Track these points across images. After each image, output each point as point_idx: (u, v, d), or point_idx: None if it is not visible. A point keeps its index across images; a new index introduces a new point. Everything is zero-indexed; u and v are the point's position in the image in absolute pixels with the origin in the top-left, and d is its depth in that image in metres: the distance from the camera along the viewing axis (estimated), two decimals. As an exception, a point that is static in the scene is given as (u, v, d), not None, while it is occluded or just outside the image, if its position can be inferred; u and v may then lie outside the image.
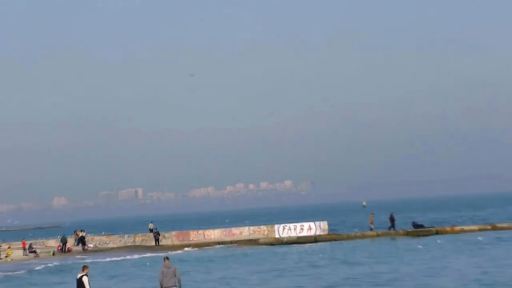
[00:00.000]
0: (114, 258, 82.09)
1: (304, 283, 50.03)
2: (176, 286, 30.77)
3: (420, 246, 72.99)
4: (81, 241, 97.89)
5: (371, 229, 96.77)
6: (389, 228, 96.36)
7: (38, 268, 75.60)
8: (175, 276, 30.83)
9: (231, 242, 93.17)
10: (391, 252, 71.36)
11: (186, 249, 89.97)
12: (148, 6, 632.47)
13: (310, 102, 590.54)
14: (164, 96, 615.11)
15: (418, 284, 45.20)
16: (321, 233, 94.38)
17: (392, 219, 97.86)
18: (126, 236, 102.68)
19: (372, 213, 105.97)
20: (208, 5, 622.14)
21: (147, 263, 68.79)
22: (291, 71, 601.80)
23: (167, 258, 31.91)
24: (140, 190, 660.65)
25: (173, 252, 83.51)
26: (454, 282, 45.42)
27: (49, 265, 77.56)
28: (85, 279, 30.92)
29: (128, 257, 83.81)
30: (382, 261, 61.54)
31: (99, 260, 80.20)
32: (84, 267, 31.76)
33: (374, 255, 68.28)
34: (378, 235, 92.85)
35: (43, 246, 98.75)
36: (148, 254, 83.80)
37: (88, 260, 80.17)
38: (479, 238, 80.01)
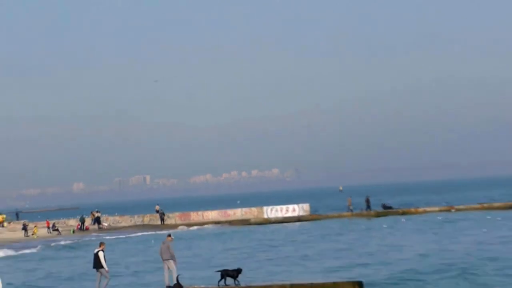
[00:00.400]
0: (125, 235, 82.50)
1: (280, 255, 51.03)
2: (170, 259, 31.05)
3: (385, 226, 73.31)
4: (97, 220, 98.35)
5: (350, 210, 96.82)
6: (366, 209, 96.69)
7: (59, 244, 76.04)
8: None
9: (226, 222, 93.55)
10: (352, 230, 72.00)
11: (180, 227, 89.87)
12: (150, 6, 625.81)
13: (294, 101, 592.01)
14: (168, 94, 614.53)
15: (368, 255, 46.16)
16: (304, 214, 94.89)
17: (368, 201, 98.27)
18: (136, 216, 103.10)
19: (350, 196, 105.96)
20: (209, 5, 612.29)
21: (152, 241, 69.12)
22: (281, 72, 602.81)
23: (169, 235, 32.21)
24: (148, 177, 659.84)
25: (173, 230, 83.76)
26: (400, 255, 46.22)
27: (68, 242, 77.96)
28: (100, 253, 30.77)
29: (138, 234, 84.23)
30: (341, 239, 62.27)
31: (112, 237, 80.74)
32: (101, 243, 31.55)
33: (340, 233, 69.01)
34: (352, 216, 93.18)
35: (65, 225, 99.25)
36: (154, 232, 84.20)
37: (103, 237, 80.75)
38: (439, 218, 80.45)
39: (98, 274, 30.90)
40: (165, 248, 31.09)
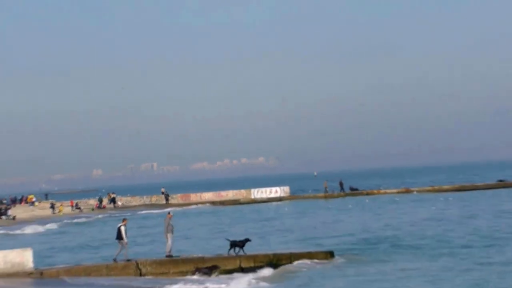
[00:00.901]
0: (135, 213, 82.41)
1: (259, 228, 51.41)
2: (169, 233, 31.17)
3: (350, 206, 73.15)
4: (113, 200, 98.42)
5: (326, 192, 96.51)
6: (340, 191, 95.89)
7: (76, 221, 75.90)
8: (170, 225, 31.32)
9: (220, 202, 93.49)
10: (323, 208, 72.03)
11: (178, 207, 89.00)
12: (157, 8, 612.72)
13: (277, 99, 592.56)
14: (171, 91, 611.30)
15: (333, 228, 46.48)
16: (284, 195, 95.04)
17: (341, 184, 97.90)
18: (145, 197, 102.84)
19: (326, 180, 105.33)
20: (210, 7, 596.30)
21: (159, 218, 69.08)
22: (269, 74, 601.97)
23: (169, 213, 32.30)
24: (155, 164, 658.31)
25: (173, 208, 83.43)
26: (362, 228, 46.60)
27: (83, 219, 77.77)
28: (122, 228, 30.90)
29: (144, 212, 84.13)
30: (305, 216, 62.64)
31: (125, 214, 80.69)
32: (124, 219, 31.69)
33: (313, 210, 69.21)
34: (325, 197, 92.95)
35: (86, 204, 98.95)
36: (160, 210, 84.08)
37: (115, 214, 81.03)
38: (396, 199, 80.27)
39: (120, 244, 31.07)
40: (166, 223, 31.21)
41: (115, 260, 30.86)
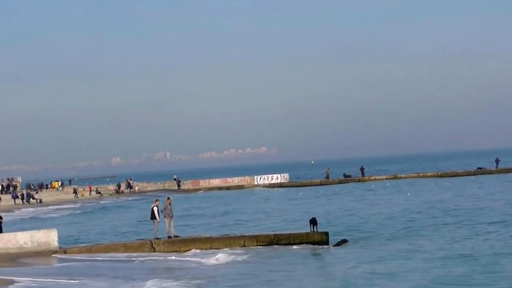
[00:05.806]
0: (149, 197, 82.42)
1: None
2: (169, 215, 31.05)
3: (338, 189, 72.50)
4: (130, 186, 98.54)
5: (327, 177, 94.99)
6: (362, 176, 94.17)
7: (101, 203, 76.13)
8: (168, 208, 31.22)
9: (226, 187, 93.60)
10: (320, 193, 71.61)
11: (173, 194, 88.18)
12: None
13: (277, 96, 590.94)
14: (187, 90, 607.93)
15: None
16: (284, 181, 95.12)
17: (362, 170, 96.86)
18: (158, 183, 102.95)
19: (328, 167, 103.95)
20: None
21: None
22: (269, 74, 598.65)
23: (168, 198, 32.08)
24: (168, 153, 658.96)
25: (185, 194, 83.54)
26: (353, 211, 46.87)
27: (106, 202, 77.95)
28: (154, 208, 30.95)
29: (160, 196, 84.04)
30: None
31: (140, 198, 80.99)
32: (156, 200, 31.81)
33: (310, 195, 68.98)
34: (321, 183, 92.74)
35: (105, 189, 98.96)
36: (172, 194, 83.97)
37: (135, 198, 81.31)
38: (387, 184, 79.73)
39: (154, 223, 31.11)
40: (166, 207, 31.01)
41: (158, 238, 30.84)
